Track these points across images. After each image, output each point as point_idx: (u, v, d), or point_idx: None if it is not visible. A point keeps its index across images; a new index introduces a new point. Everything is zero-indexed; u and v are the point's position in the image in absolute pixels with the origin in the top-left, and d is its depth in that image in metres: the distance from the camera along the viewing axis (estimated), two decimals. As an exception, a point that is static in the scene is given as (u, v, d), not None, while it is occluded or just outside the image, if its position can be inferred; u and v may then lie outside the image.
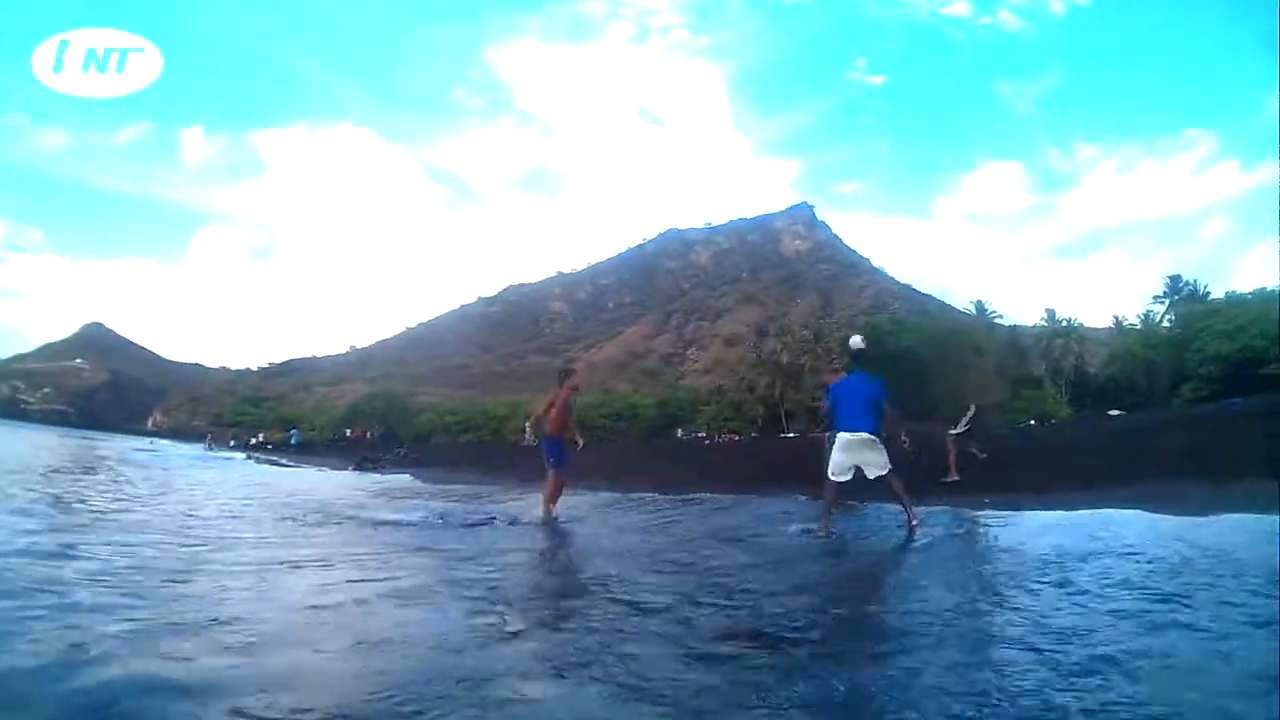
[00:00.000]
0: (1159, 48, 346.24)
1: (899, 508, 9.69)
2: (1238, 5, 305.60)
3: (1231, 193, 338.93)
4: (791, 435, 69.39)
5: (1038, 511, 10.36)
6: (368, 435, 62.82)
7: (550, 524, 11.93)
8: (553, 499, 12.55)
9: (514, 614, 5.47)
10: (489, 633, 4.96)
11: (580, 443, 13.13)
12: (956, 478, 13.56)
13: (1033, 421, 56.12)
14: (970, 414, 14.17)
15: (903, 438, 10.31)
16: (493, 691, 3.83)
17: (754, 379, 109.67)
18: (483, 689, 3.85)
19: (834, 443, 10.11)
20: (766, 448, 27.78)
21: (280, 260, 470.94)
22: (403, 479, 27.65)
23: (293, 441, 66.49)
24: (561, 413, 12.81)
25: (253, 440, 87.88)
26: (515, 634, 4.96)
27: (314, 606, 5.63)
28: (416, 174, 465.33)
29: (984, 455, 14.82)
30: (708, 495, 14.99)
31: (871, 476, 9.63)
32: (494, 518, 12.62)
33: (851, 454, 9.78)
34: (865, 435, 9.71)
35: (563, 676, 4.11)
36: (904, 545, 8.91)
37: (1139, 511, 9.31)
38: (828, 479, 9.93)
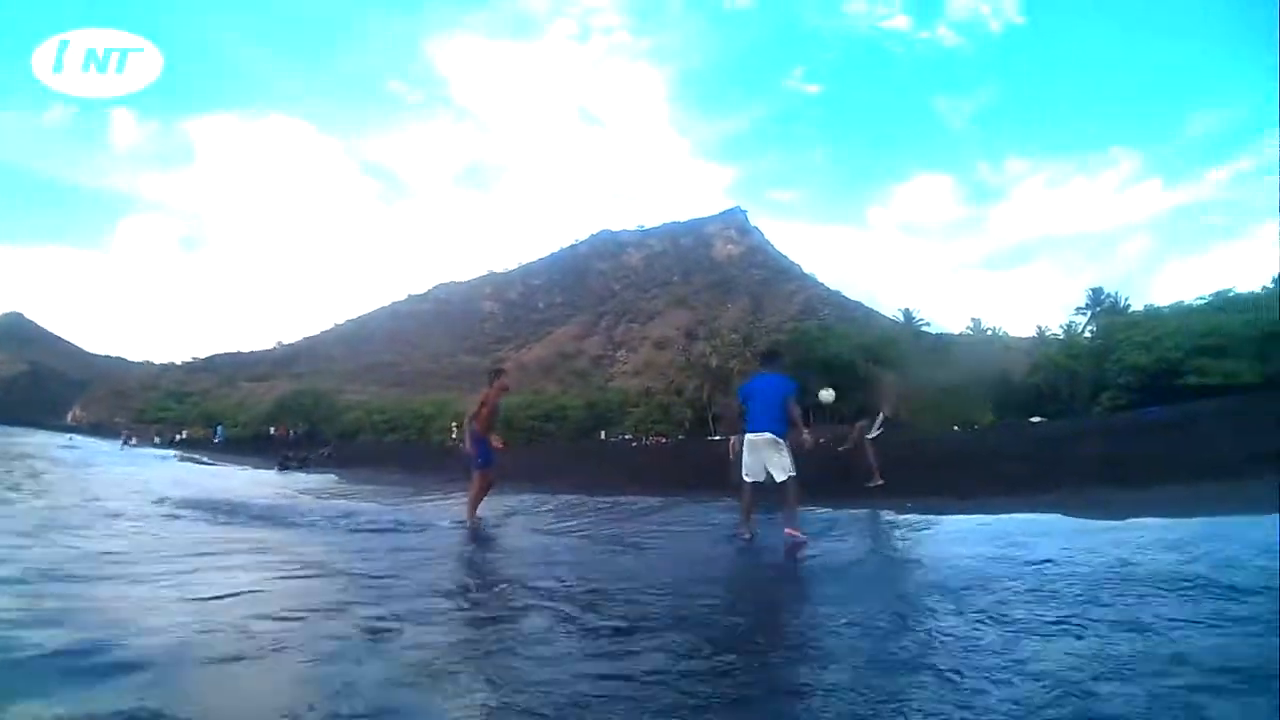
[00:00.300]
0: (1089, 68, 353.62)
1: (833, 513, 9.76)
2: (1165, 30, 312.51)
3: (1154, 210, 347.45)
4: (718, 438, 69.54)
5: (957, 516, 10.44)
6: (290, 433, 62.10)
7: (475, 528, 11.81)
8: (477, 500, 12.44)
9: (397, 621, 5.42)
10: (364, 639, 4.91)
11: (500, 445, 12.66)
12: (881, 481, 13.66)
13: (956, 427, 56.86)
14: (881, 419, 14.31)
15: (806, 440, 10.10)
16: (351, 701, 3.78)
17: (683, 382, 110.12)
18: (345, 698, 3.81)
19: (742, 444, 10.06)
20: (694, 450, 27.78)
21: (208, 251, 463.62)
22: (327, 478, 27.41)
23: (217, 439, 65.30)
24: (490, 413, 12.54)
25: (177, 436, 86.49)
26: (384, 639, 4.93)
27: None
28: (349, 167, 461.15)
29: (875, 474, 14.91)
30: (635, 497, 14.96)
31: (778, 479, 9.40)
32: (401, 522, 12.47)
33: (757, 455, 9.66)
34: (768, 436, 9.55)
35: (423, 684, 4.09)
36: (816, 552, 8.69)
37: (1058, 516, 9.44)
38: (741, 482, 9.91)
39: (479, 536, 11.22)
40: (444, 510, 13.76)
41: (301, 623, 5.28)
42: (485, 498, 12.75)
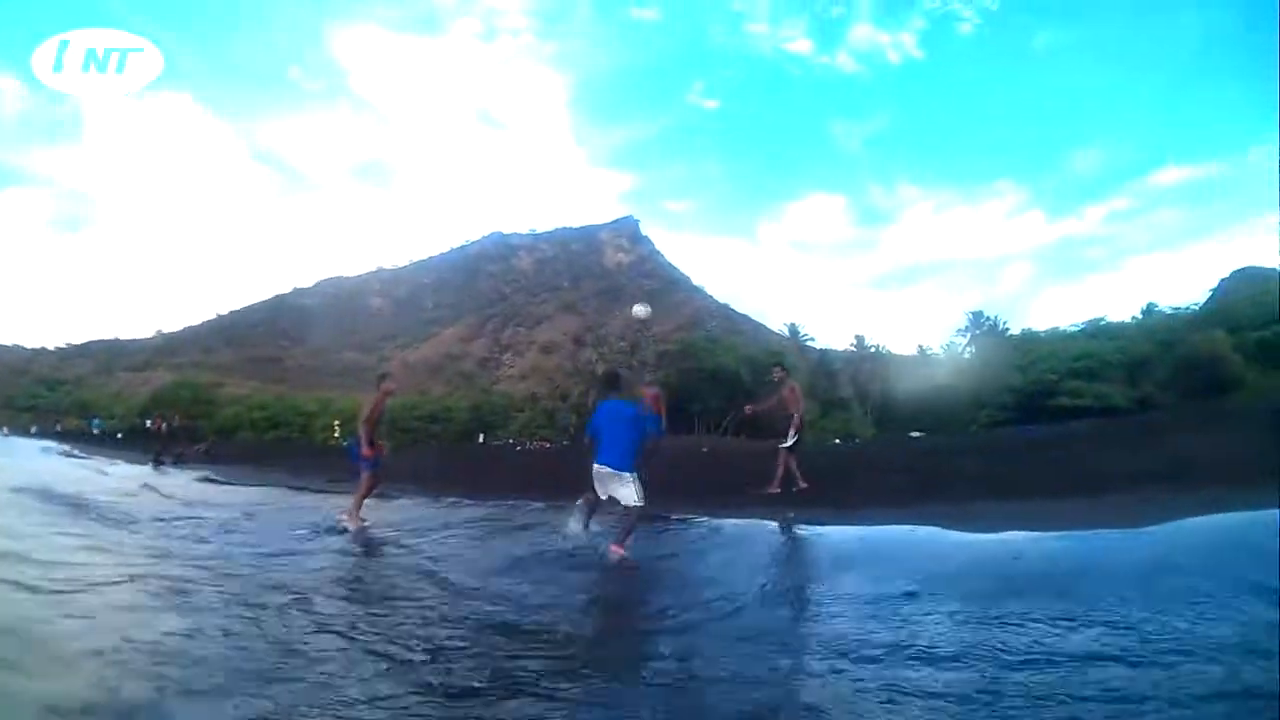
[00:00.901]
0: (982, 104, 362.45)
1: (728, 523, 9.99)
2: (1053, 69, 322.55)
3: (1036, 241, 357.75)
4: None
5: (835, 526, 10.69)
6: (164, 426, 60.60)
7: (359, 529, 11.92)
8: (362, 501, 12.56)
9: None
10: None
11: (380, 448, 13.01)
12: (778, 489, 13.79)
13: (839, 440, 57.91)
14: (796, 424, 14.40)
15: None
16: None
17: (569, 388, 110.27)
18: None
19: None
20: (578, 456, 27.93)
21: (90, 232, 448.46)
22: (199, 476, 26.89)
23: (94, 430, 63.16)
24: (373, 416, 12.79)
25: (58, 426, 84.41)
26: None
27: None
28: (242, 152, 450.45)
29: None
30: (515, 501, 15.02)
31: (623, 505, 9.55)
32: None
33: (602, 485, 9.74)
34: (609, 470, 9.58)
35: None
36: (676, 558, 9.56)
37: (935, 528, 9.72)
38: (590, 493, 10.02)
39: (362, 540, 11.34)
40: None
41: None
42: (367, 498, 12.81)
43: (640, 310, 19.11)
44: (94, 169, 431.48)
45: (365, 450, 12.52)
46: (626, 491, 9.44)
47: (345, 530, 11.71)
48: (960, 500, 11.83)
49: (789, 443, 14.25)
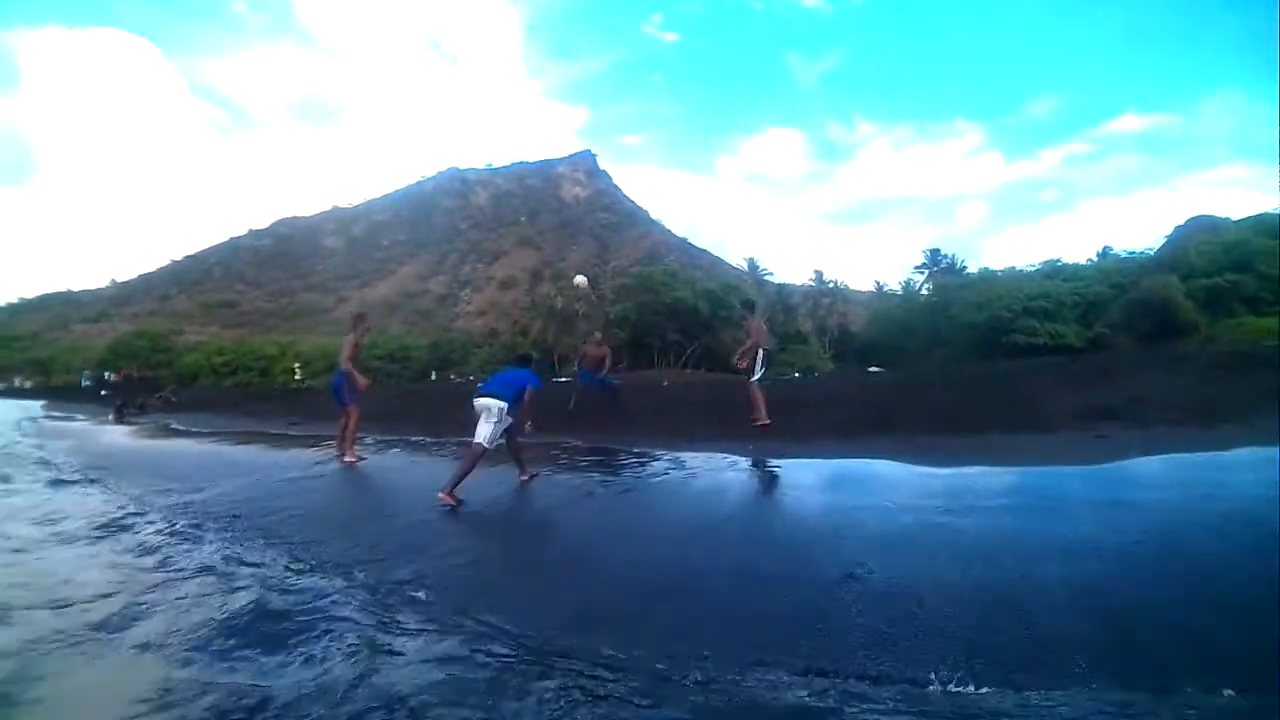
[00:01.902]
0: (941, 43, 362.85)
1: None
2: (1013, 13, 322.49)
3: (992, 182, 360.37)
4: (563, 380, 69.74)
5: (792, 460, 10.74)
6: (129, 378, 59.83)
7: (351, 462, 12.99)
8: (352, 436, 13.39)
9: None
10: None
11: (364, 385, 13.51)
12: (767, 420, 13.83)
13: (797, 374, 58.12)
14: (762, 358, 14.43)
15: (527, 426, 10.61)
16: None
17: (528, 323, 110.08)
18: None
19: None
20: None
21: (36, 181, 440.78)
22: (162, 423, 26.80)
23: (84, 383, 62.08)
24: (354, 354, 13.24)
25: (20, 383, 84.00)
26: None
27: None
28: (183, 91, 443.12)
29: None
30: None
31: (474, 438, 9.87)
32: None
33: (476, 413, 10.02)
34: (486, 402, 9.93)
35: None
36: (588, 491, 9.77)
37: (888, 461, 9.80)
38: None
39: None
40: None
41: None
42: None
43: (580, 280, 19.32)
44: (34, 115, 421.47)
45: (361, 384, 13.27)
46: (485, 429, 9.78)
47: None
48: (916, 434, 11.90)
49: (756, 376, 14.30)
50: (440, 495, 9.37)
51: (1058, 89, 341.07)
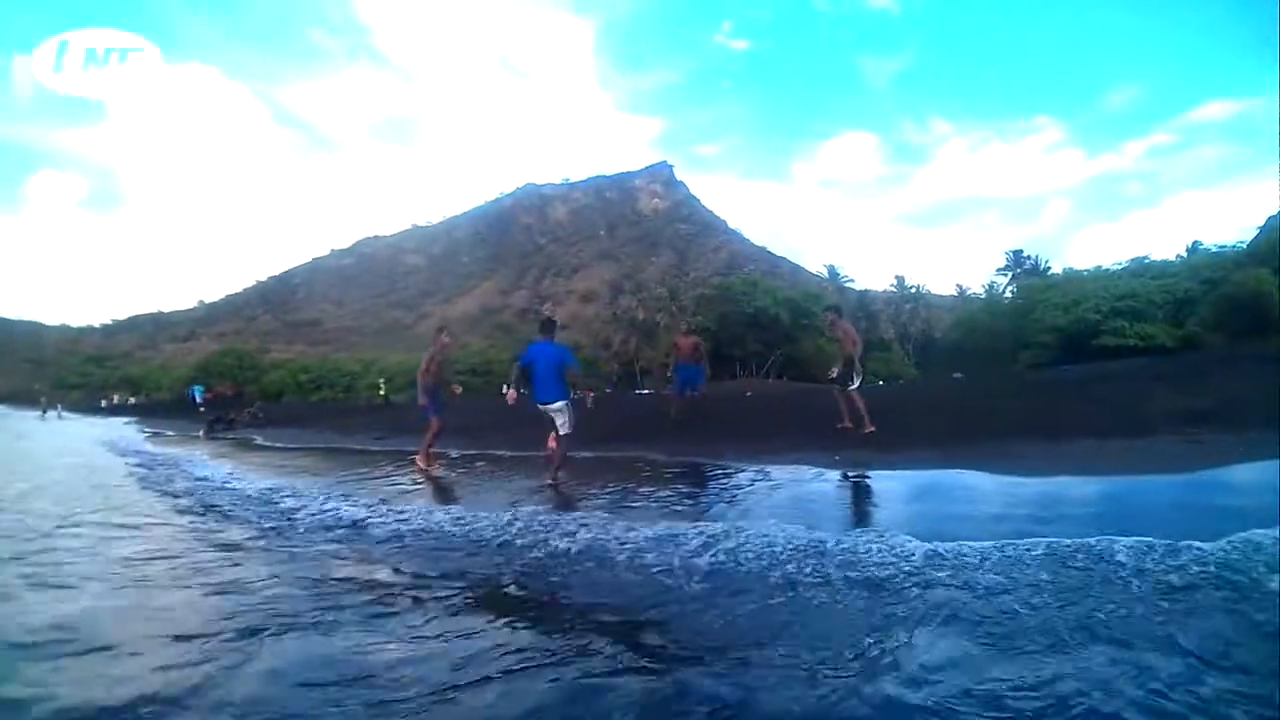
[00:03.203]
0: (1015, 37, 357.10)
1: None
2: (1089, 3, 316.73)
3: (1074, 179, 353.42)
4: (646, 392, 69.84)
5: (882, 471, 10.64)
6: (228, 394, 60.58)
7: (428, 471, 13.69)
8: (430, 446, 14.16)
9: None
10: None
11: (457, 391, 15.12)
12: (873, 428, 13.71)
13: (881, 382, 57.63)
14: (858, 364, 14.34)
15: (588, 401, 11.99)
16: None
17: (609, 336, 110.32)
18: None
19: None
20: (621, 404, 27.87)
21: (124, 208, 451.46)
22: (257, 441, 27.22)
23: (195, 399, 63.27)
24: (439, 367, 14.21)
25: (130, 400, 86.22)
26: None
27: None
28: (265, 118, 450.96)
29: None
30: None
31: (559, 434, 11.25)
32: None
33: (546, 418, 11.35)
34: (553, 405, 11.13)
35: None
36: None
37: (979, 472, 9.64)
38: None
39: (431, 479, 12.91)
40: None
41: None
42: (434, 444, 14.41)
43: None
44: (121, 147, 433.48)
45: (420, 400, 14.12)
46: (561, 420, 11.12)
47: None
48: (1005, 441, 11.70)
49: (855, 384, 14.23)
50: (548, 479, 11.02)
51: (1138, 78, 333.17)
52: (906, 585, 5.39)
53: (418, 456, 14.29)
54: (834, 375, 14.74)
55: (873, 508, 8.94)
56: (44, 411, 63.21)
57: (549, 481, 11.09)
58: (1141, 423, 11.53)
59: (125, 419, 53.30)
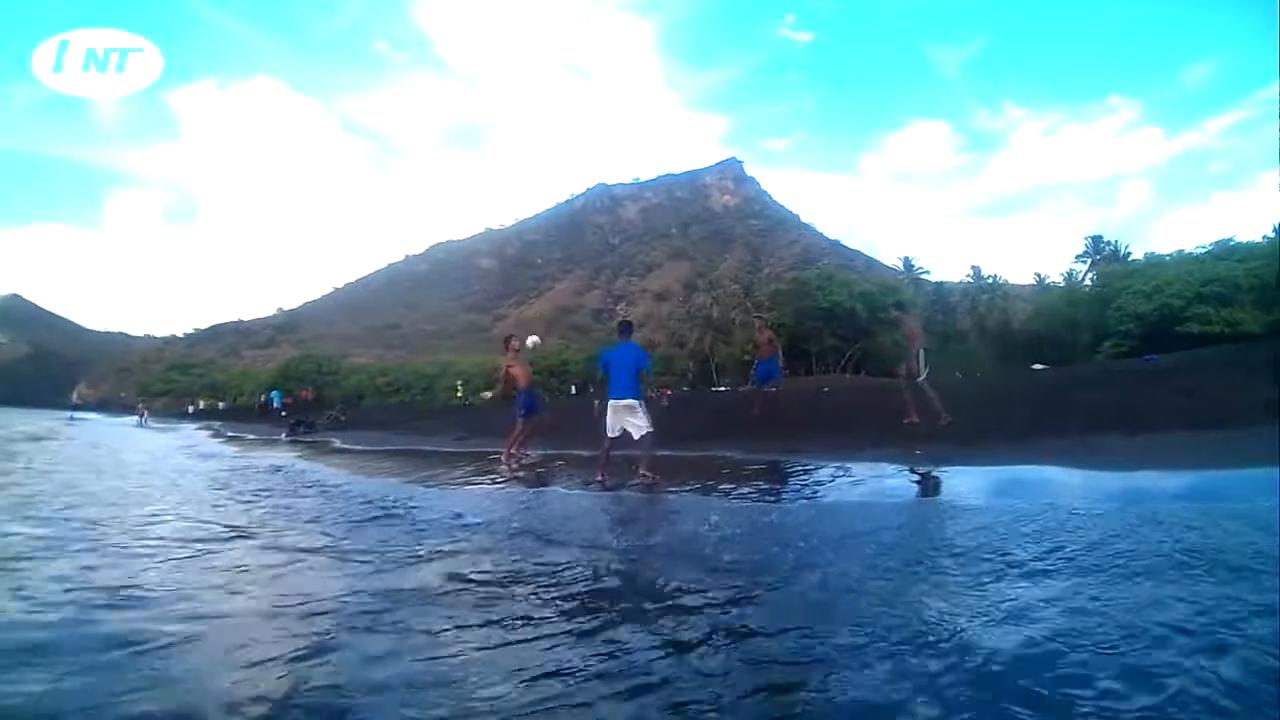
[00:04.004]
0: (1085, 17, 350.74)
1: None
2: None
3: (1153, 159, 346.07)
4: (722, 389, 69.67)
5: (961, 467, 10.50)
6: (290, 400, 61.49)
7: (513, 466, 14.26)
8: (516, 441, 14.87)
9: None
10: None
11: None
12: (950, 418, 13.71)
13: (958, 374, 57.04)
14: (924, 357, 14.33)
15: (663, 400, 11.62)
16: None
17: (684, 334, 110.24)
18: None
19: (604, 408, 11.67)
20: (698, 402, 27.80)
21: (200, 222, 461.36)
22: (338, 444, 27.49)
23: (275, 405, 64.57)
24: (517, 372, 14.94)
25: (219, 405, 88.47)
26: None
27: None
28: (335, 130, 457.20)
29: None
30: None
31: (635, 436, 11.27)
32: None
33: (617, 417, 11.43)
34: (627, 401, 11.36)
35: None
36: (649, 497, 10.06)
37: (1057, 468, 9.47)
38: (605, 436, 11.57)
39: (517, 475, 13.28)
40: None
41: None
42: (525, 441, 15.25)
43: (532, 341, 19.78)
44: (196, 163, 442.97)
45: (517, 403, 15.02)
46: (636, 420, 11.26)
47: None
48: (1086, 434, 11.49)
49: (922, 376, 14.21)
50: (642, 473, 10.89)
51: (1214, 51, 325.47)
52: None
53: (506, 452, 14.80)
54: (904, 372, 14.74)
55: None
56: (141, 419, 64.72)
57: (598, 479, 11.23)
58: (1232, 413, 11.24)
59: (212, 424, 54.37)
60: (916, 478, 10.18)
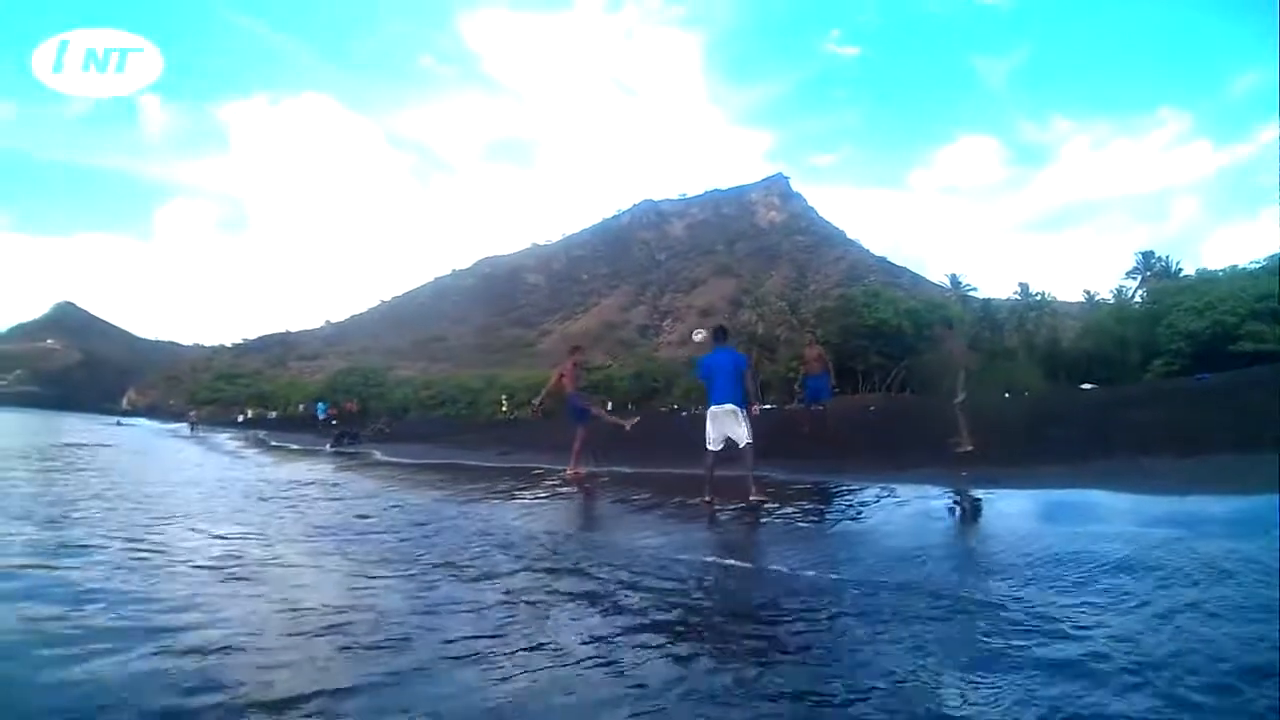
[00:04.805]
0: (1135, 25, 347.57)
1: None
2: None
3: (1203, 172, 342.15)
4: (768, 406, 69.34)
5: (1005, 490, 10.36)
6: (337, 412, 62.04)
7: (577, 478, 14.41)
8: (579, 453, 14.87)
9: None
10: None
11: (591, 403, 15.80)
12: (970, 447, 13.57)
13: (1007, 394, 56.49)
14: (964, 379, 14.21)
15: (755, 410, 11.55)
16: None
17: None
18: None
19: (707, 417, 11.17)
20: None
21: (249, 234, 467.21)
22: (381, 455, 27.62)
23: (320, 415, 65.16)
24: (571, 381, 14.97)
25: (242, 416, 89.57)
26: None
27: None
28: (384, 144, 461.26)
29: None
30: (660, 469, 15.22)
31: (741, 445, 10.66)
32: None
33: (719, 425, 10.84)
34: (729, 407, 10.75)
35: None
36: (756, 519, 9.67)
37: (1108, 492, 9.30)
38: (706, 450, 10.93)
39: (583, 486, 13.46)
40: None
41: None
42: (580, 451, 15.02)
43: (699, 335, 19.58)
44: (246, 175, 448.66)
45: (578, 404, 14.97)
46: (740, 429, 10.67)
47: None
48: (1137, 457, 11.33)
49: (960, 398, 14.08)
50: (751, 497, 10.20)
51: (1264, 57, 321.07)
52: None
53: (568, 470, 14.79)
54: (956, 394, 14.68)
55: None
56: (192, 426, 65.58)
57: (705, 500, 10.58)
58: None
59: (258, 432, 55.02)
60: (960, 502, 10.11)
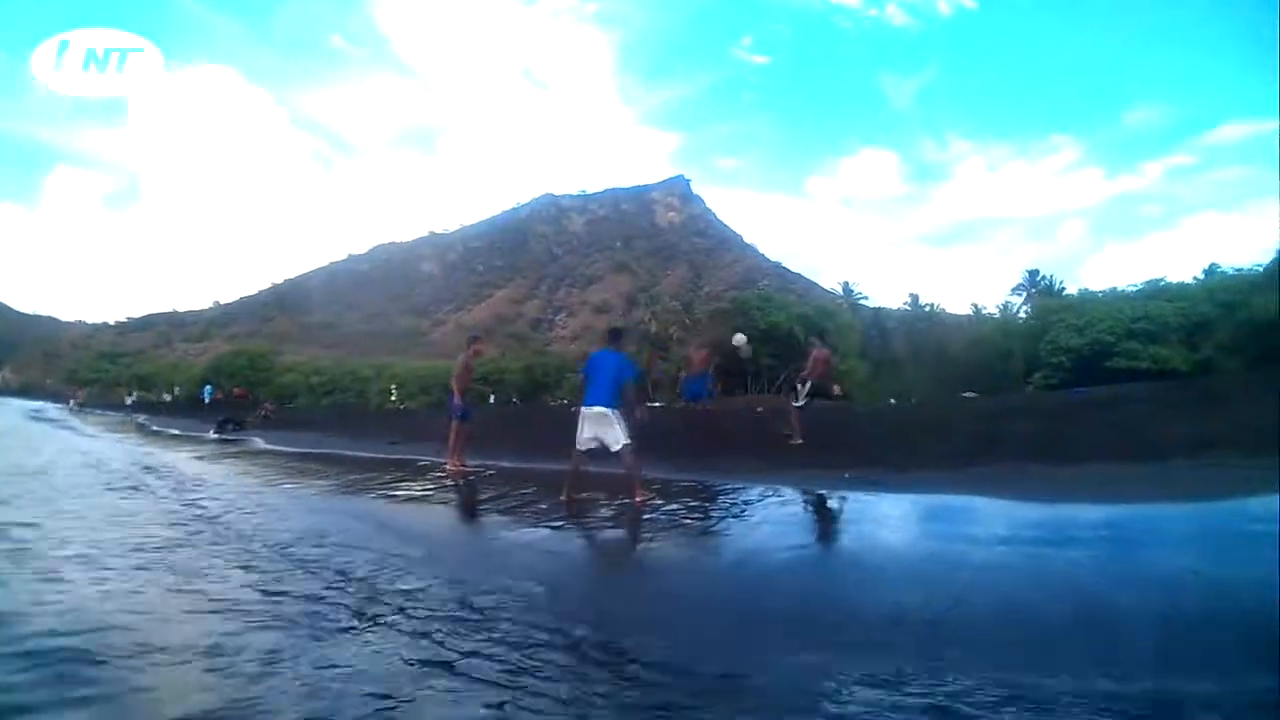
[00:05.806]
0: (1034, 57, 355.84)
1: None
2: (1108, 24, 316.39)
3: (1092, 198, 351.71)
4: (657, 405, 69.63)
5: (889, 494, 10.55)
6: (221, 395, 60.92)
7: (458, 472, 14.34)
8: (457, 448, 14.89)
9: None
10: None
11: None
12: (801, 440, 14.55)
13: (893, 400, 57.49)
14: (808, 387, 14.89)
15: (639, 415, 11.52)
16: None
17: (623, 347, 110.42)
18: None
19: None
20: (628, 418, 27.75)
21: (140, 207, 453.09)
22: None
23: (205, 399, 63.58)
24: (464, 373, 15.09)
25: (130, 397, 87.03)
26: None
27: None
28: (287, 123, 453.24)
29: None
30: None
31: (612, 449, 10.41)
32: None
33: (590, 426, 10.60)
34: (600, 409, 10.51)
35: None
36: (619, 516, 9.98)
37: (985, 498, 9.51)
38: (575, 449, 10.81)
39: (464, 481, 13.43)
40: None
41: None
42: (466, 446, 15.19)
43: (740, 340, 19.69)
44: (142, 146, 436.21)
45: (457, 401, 14.87)
46: (614, 432, 10.40)
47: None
48: (1017, 463, 11.63)
49: (799, 402, 15.25)
50: (636, 498, 10.13)
51: (1157, 98, 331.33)
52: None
53: (449, 463, 14.77)
54: (835, 392, 15.22)
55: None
56: (71, 405, 63.92)
57: (562, 498, 10.70)
58: (1155, 448, 11.41)
59: (137, 416, 53.65)
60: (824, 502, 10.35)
